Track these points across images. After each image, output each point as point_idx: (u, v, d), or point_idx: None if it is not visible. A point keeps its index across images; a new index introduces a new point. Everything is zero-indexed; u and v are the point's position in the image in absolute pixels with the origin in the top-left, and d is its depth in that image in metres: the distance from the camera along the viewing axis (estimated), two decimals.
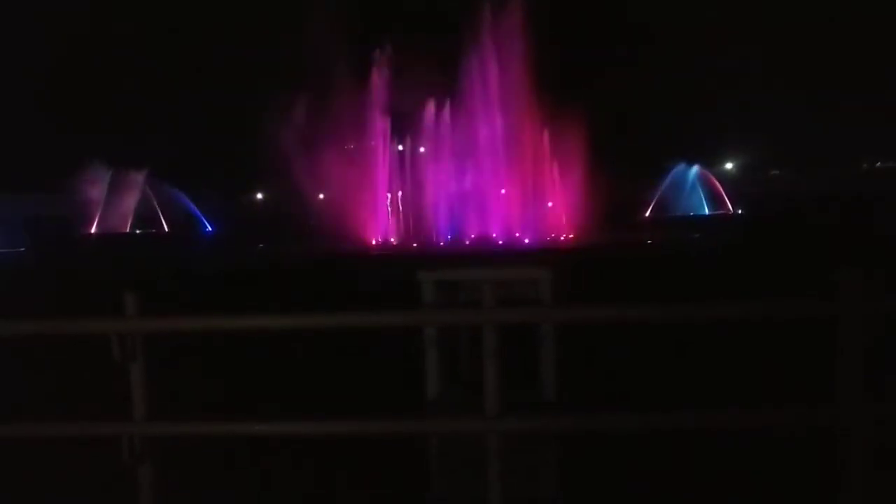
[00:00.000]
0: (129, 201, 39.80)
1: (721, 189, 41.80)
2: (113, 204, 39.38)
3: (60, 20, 41.32)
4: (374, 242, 30.58)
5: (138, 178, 39.03)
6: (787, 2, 48.61)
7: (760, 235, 24.43)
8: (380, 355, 6.59)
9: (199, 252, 28.35)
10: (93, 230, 39.33)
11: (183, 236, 37.73)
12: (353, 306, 3.39)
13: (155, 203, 40.47)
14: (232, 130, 36.41)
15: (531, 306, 3.73)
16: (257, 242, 29.59)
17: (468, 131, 29.44)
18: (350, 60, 29.09)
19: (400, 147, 31.91)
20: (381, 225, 31.57)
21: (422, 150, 31.85)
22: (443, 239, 29.84)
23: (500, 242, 28.48)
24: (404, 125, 30.52)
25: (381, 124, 30.52)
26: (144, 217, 40.64)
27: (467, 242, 29.05)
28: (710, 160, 44.50)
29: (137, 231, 40.65)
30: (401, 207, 32.26)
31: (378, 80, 29.79)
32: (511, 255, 22.87)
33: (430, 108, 29.94)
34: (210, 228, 41.01)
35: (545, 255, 20.95)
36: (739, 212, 40.43)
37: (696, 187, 41.89)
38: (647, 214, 39.85)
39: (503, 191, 30.59)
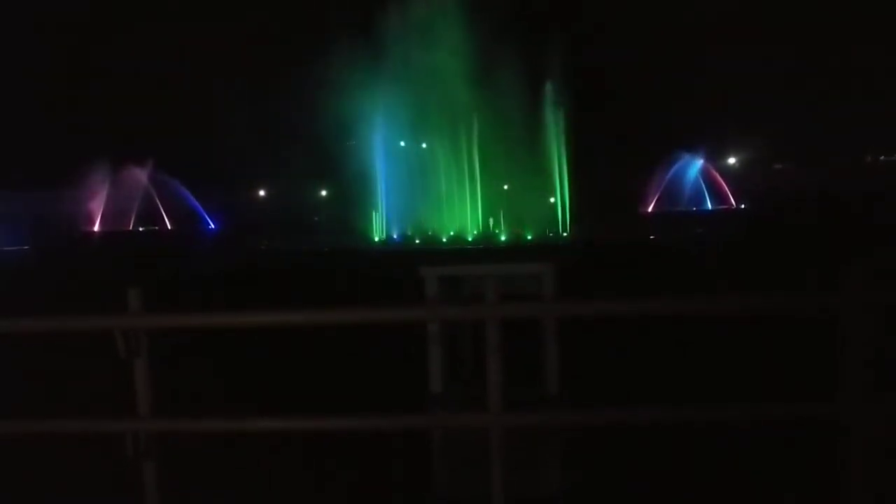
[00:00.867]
0: (132, 198, 39.82)
1: (724, 183, 41.70)
2: (116, 201, 39.41)
3: (62, 16, 41.35)
4: (376, 238, 30.60)
5: (141, 174, 39.04)
6: None
7: (763, 230, 24.37)
8: (381, 351, 6.59)
9: (203, 249, 28.38)
10: (95, 228, 39.39)
11: (186, 234, 37.76)
12: (356, 302, 3.39)
13: (157, 200, 40.49)
14: (235, 126, 36.40)
15: (534, 301, 3.73)
16: (260, 240, 29.61)
17: (469, 127, 29.47)
18: (350, 55, 29.05)
19: (402, 143, 31.89)
20: (382, 221, 31.59)
21: (423, 145, 31.85)
22: (445, 235, 29.86)
23: (503, 239, 28.49)
24: (404, 120, 30.49)
25: (381, 119, 30.50)
26: (147, 214, 40.67)
27: (469, 239, 29.06)
28: (714, 154, 44.37)
29: (140, 228, 40.69)
30: (402, 203, 32.24)
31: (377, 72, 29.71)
32: (513, 251, 22.87)
33: (431, 104, 29.89)
34: (213, 225, 41.04)
35: (547, 251, 20.94)
36: (742, 206, 40.34)
37: (699, 182, 41.80)
38: (650, 209, 39.80)
39: (506, 187, 30.60)
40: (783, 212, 30.41)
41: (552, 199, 31.37)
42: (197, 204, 40.94)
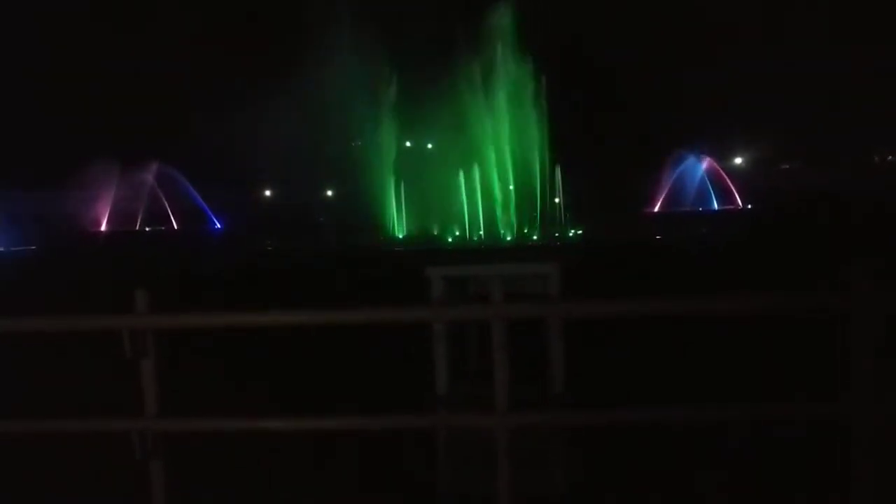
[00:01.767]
0: (139, 198, 39.93)
1: (730, 183, 41.58)
2: (122, 201, 39.52)
3: (67, 16, 41.50)
4: (382, 238, 30.64)
5: (147, 174, 39.15)
6: None
7: (769, 231, 24.29)
8: (386, 351, 6.60)
9: (209, 249, 28.46)
10: (102, 228, 39.52)
11: (192, 234, 37.86)
12: (362, 302, 3.40)
13: (164, 200, 40.59)
14: (241, 127, 36.46)
15: (540, 301, 3.74)
16: (266, 239, 29.68)
17: (473, 128, 29.49)
18: (356, 57, 29.12)
19: (408, 143, 31.95)
20: (389, 221, 31.64)
21: (429, 146, 31.88)
22: (448, 236, 29.88)
23: (508, 239, 28.50)
24: (410, 122, 30.55)
25: (388, 121, 30.57)
26: (153, 214, 40.76)
27: (475, 239, 29.07)
28: (720, 154, 44.23)
29: (147, 228, 40.79)
30: (409, 203, 32.30)
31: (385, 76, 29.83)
32: (518, 251, 22.86)
33: (435, 104, 29.94)
34: (219, 225, 41.12)
35: (552, 251, 20.93)
36: (749, 206, 40.22)
37: (705, 181, 41.69)
38: (656, 209, 39.73)
39: (511, 187, 30.60)
40: (788, 212, 30.31)
41: (556, 200, 31.36)
42: (203, 204, 41.03)
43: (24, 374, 5.98)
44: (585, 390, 4.17)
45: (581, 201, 30.95)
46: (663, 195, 40.32)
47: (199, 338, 3.67)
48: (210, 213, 41.31)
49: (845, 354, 2.92)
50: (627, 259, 16.13)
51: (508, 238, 28.79)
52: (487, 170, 30.10)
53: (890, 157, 49.84)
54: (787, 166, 51.49)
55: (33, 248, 31.68)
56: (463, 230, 30.12)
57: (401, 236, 31.19)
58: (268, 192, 52.48)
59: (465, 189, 30.38)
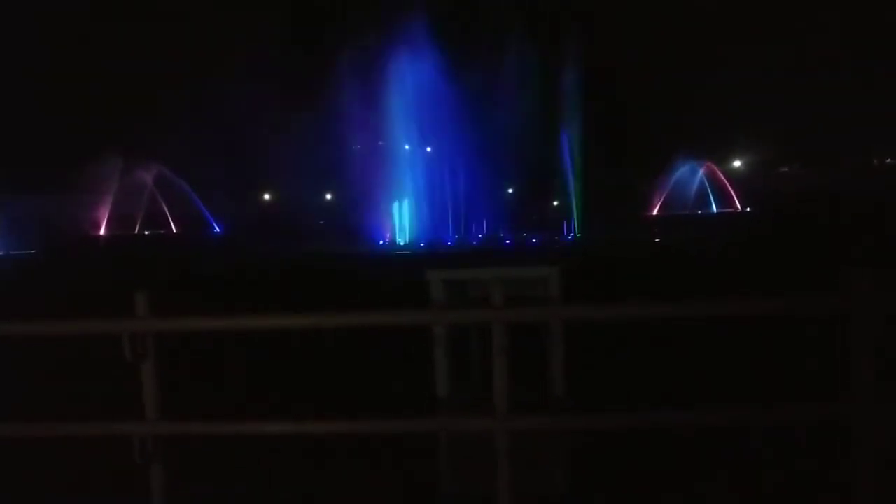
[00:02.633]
0: (138, 202, 39.90)
1: (729, 186, 41.62)
2: (121, 205, 39.49)
3: (67, 16, 41.52)
4: (381, 242, 30.64)
5: (147, 178, 39.12)
6: None
7: (768, 234, 24.31)
8: (386, 354, 6.60)
9: (209, 253, 28.46)
10: (101, 231, 39.48)
11: (192, 237, 37.85)
12: (361, 306, 3.41)
13: (163, 204, 40.57)
14: (240, 130, 36.49)
15: (540, 305, 3.74)
16: (265, 243, 29.67)
17: (473, 130, 29.51)
18: (356, 60, 29.16)
19: (406, 146, 31.96)
20: (388, 225, 31.64)
21: (428, 149, 31.90)
22: (450, 239, 29.88)
23: (508, 242, 28.50)
24: (411, 124, 30.56)
25: (386, 124, 30.59)
26: (153, 218, 40.73)
27: (475, 243, 29.08)
28: (719, 157, 44.26)
29: (146, 232, 40.76)
30: (408, 207, 32.29)
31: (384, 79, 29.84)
32: (519, 254, 22.87)
33: (436, 107, 29.96)
34: (218, 229, 41.11)
35: (552, 254, 20.94)
36: (748, 209, 40.25)
37: (704, 184, 41.74)
38: (655, 212, 39.76)
39: (511, 190, 30.62)
40: (787, 214, 30.33)
41: (555, 203, 31.41)
42: (203, 207, 41.03)
43: (25, 377, 5.98)
44: (586, 393, 4.17)
45: (581, 204, 30.99)
46: (662, 198, 40.36)
47: (198, 339, 3.66)
48: (210, 216, 41.30)
49: (845, 354, 2.93)
50: (627, 262, 16.13)
51: (508, 241, 28.81)
52: (487, 171, 30.13)
53: (889, 160, 49.88)
54: (786, 169, 51.55)
55: (33, 251, 31.66)
56: (461, 233, 30.14)
57: (401, 241, 31.20)
58: (267, 196, 52.52)
59: (464, 191, 30.42)
